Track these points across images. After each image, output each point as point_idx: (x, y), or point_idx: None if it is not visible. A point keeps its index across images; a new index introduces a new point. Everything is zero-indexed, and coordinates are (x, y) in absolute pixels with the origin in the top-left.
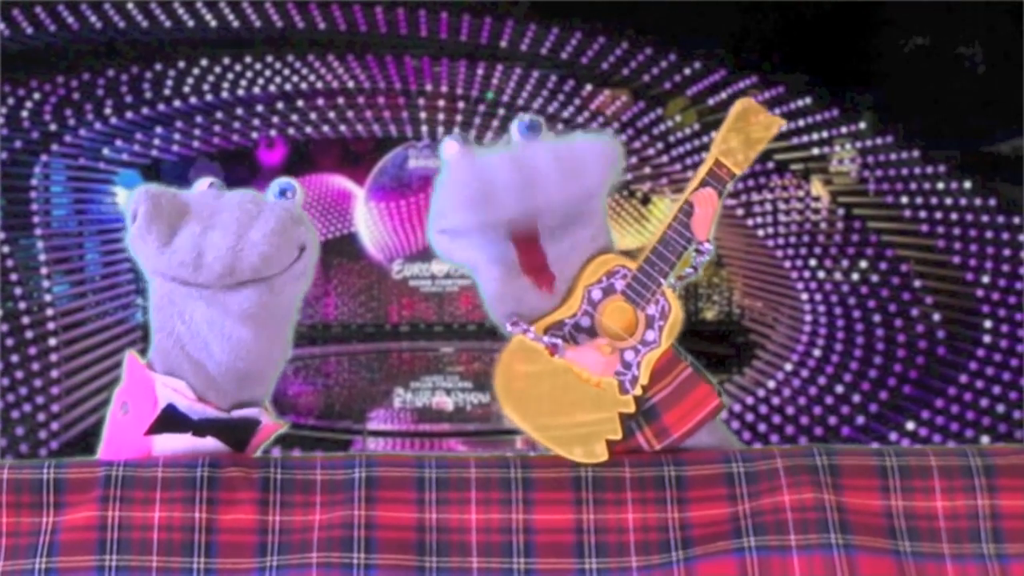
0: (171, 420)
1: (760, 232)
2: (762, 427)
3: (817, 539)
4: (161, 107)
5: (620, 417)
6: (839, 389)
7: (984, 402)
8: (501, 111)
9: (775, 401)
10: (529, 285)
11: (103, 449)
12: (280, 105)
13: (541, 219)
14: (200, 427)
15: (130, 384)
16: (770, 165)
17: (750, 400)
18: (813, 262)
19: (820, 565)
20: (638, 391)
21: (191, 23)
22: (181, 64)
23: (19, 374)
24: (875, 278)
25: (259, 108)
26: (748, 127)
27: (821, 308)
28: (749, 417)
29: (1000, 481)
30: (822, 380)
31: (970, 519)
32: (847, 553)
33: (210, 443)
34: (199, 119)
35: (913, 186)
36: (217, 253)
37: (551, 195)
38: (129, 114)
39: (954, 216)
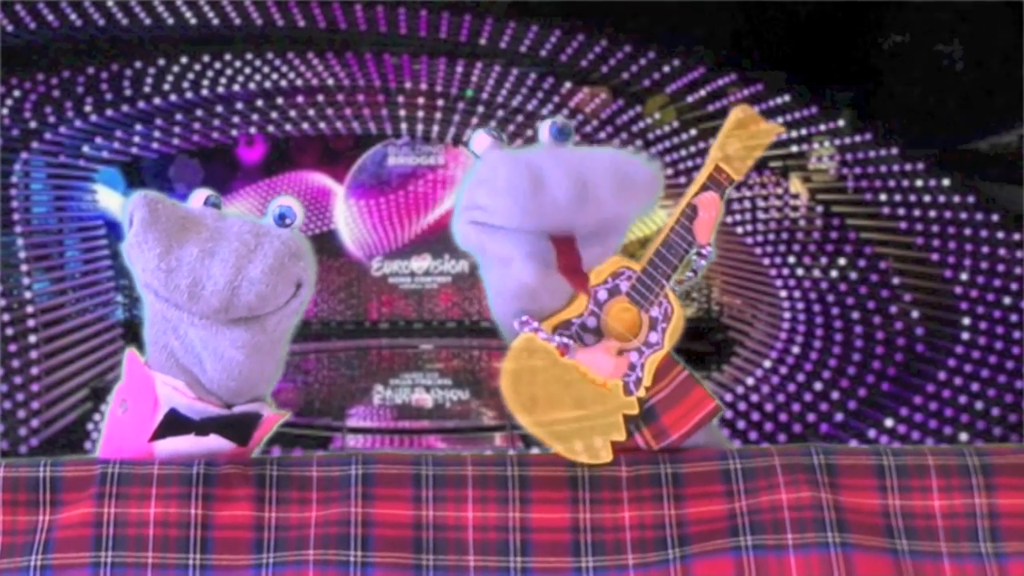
0: (174, 424)
1: (739, 229)
2: (741, 424)
3: (814, 538)
4: (141, 104)
5: (623, 418)
6: (818, 386)
7: (963, 399)
8: (480, 108)
9: (754, 398)
10: (560, 283)
11: (102, 447)
12: (260, 102)
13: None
14: (202, 426)
15: (130, 382)
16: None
17: (729, 397)
18: (792, 259)
19: (817, 564)
20: (641, 393)
21: (171, 20)
22: (161, 61)
23: None
24: (854, 275)
25: (239, 105)
26: (746, 134)
27: (800, 305)
28: (728, 414)
29: (997, 480)
30: (801, 377)
31: (967, 518)
32: (844, 552)
33: (213, 442)
34: (179, 116)
35: (892, 183)
36: (215, 287)
37: (602, 209)
38: (109, 111)
39: (932, 213)
